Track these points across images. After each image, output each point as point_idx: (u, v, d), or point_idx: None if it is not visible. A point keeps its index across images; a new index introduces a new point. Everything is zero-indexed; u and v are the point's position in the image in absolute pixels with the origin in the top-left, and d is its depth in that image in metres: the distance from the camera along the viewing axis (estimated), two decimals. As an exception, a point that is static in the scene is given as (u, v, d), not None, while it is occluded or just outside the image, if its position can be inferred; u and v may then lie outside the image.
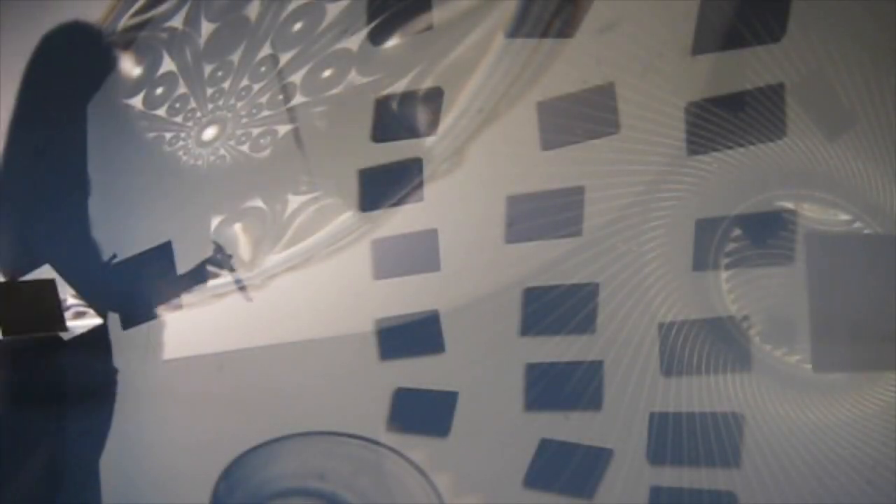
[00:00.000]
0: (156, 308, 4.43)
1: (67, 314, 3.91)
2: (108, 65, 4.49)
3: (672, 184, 3.75)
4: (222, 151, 4.34)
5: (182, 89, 4.45)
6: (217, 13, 4.40)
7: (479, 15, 3.97)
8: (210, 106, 4.39)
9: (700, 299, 3.68)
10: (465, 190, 3.95)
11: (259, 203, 4.26)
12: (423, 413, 3.98)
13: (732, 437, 3.62)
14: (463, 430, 3.92)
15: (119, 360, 4.46)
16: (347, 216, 4.10)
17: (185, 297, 4.38)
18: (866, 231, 3.53)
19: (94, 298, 4.41)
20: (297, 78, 4.23)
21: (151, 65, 4.51)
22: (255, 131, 4.30)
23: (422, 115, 4.03)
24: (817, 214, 3.60)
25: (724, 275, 3.68)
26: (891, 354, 3.24)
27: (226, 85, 4.37)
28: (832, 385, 3.32)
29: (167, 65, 4.47)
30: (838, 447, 3.41)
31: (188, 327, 4.37)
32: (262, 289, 4.22)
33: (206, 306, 4.32)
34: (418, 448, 3.99)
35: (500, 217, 3.90)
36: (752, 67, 3.66)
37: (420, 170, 4.01)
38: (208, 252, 4.29)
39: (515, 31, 3.93)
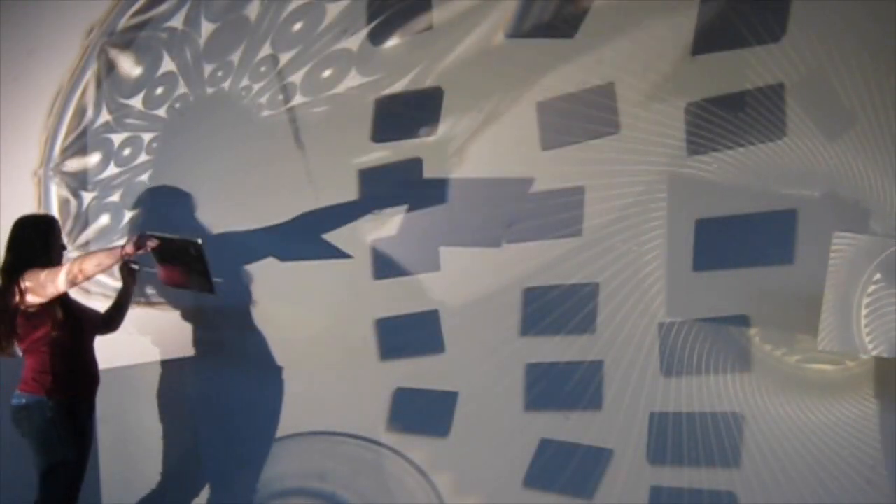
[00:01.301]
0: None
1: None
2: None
3: (672, 184, 3.75)
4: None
5: (182, 89, 4.45)
6: (217, 13, 4.40)
7: (479, 15, 3.97)
8: (210, 106, 4.40)
9: (700, 299, 3.68)
10: (466, 190, 3.95)
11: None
12: (423, 413, 3.98)
13: (732, 437, 3.62)
14: (463, 430, 3.92)
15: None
16: (347, 217, 4.10)
17: (186, 297, 4.37)
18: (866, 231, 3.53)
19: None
20: (297, 78, 4.23)
21: (151, 65, 4.51)
22: (255, 131, 4.30)
23: (422, 115, 4.03)
24: (817, 214, 3.60)
25: (723, 275, 3.68)
26: None
27: (226, 85, 4.37)
28: (832, 385, 3.33)
29: (167, 65, 4.47)
30: (838, 447, 3.42)
31: (188, 327, 4.36)
32: (262, 289, 4.21)
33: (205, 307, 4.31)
34: (418, 448, 3.99)
35: (501, 217, 3.91)
36: (752, 67, 3.66)
37: (420, 170, 4.01)
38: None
39: (515, 31, 3.93)
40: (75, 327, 3.81)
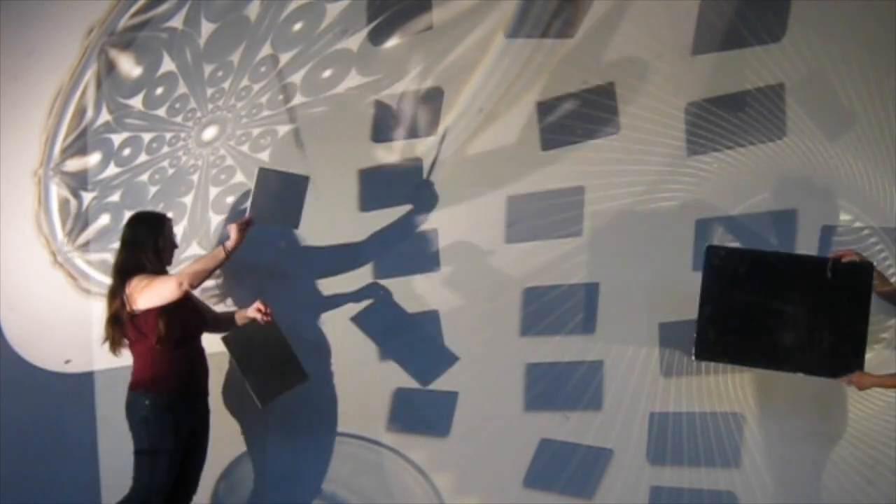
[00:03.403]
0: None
1: None
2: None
3: (672, 184, 3.75)
4: (222, 151, 4.34)
5: (182, 89, 4.45)
6: (217, 13, 4.40)
7: (479, 15, 3.97)
8: (210, 106, 4.40)
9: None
10: (465, 190, 3.96)
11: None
12: (423, 413, 3.98)
13: (732, 437, 3.62)
14: (463, 430, 3.92)
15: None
16: (347, 217, 4.10)
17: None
18: (866, 231, 3.54)
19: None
20: (297, 78, 4.23)
21: (151, 65, 4.50)
22: (255, 131, 4.30)
23: (422, 115, 4.03)
24: (817, 214, 3.60)
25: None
26: None
27: (226, 85, 4.37)
28: (832, 385, 3.33)
29: (167, 65, 4.47)
30: (838, 447, 3.42)
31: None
32: (262, 289, 4.21)
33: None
34: (418, 448, 3.99)
35: (500, 217, 3.91)
36: (752, 67, 3.66)
37: (420, 170, 4.01)
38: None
39: (515, 31, 3.93)
40: (182, 332, 3.76)
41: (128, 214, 4.34)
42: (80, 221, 4.53)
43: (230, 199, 4.28)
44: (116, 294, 3.74)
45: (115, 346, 3.81)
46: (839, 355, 3.18)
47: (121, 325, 3.74)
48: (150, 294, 3.68)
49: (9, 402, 4.43)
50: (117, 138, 4.54)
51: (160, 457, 3.71)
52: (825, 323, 3.20)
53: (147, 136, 4.49)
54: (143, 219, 3.90)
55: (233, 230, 3.66)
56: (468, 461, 3.91)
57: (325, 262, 4.11)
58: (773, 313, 3.25)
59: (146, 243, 3.77)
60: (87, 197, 4.57)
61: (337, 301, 4.09)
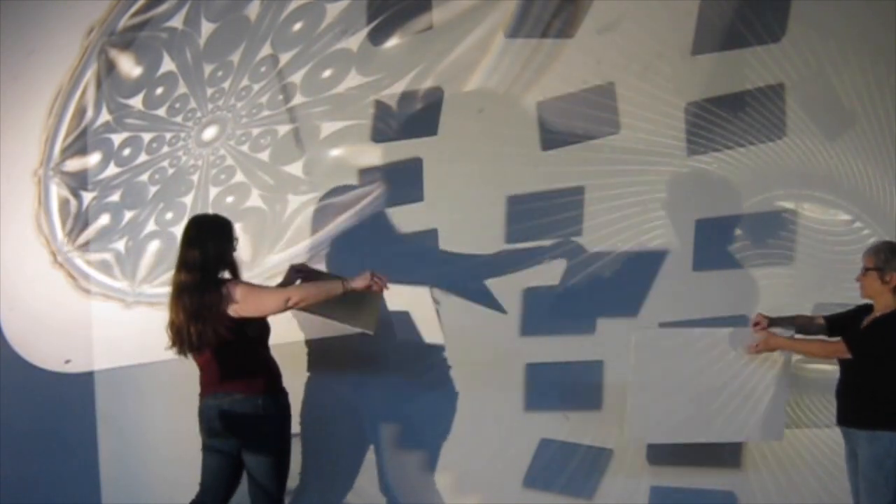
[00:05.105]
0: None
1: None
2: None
3: (672, 184, 3.76)
4: (222, 151, 4.34)
5: (182, 89, 4.46)
6: (217, 13, 4.40)
7: (479, 15, 3.97)
8: (210, 106, 4.40)
9: (700, 299, 3.68)
10: (465, 190, 3.96)
11: (258, 203, 4.26)
12: (423, 413, 3.98)
13: (732, 437, 3.62)
14: (463, 430, 3.92)
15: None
16: (347, 216, 4.10)
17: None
18: (866, 231, 3.54)
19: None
20: (297, 78, 4.23)
21: (151, 65, 4.51)
22: (255, 131, 4.30)
23: (422, 115, 4.03)
24: (817, 214, 3.61)
25: (723, 275, 3.68)
26: None
27: (226, 85, 4.37)
28: (832, 385, 3.33)
29: (167, 65, 4.48)
30: (838, 447, 3.42)
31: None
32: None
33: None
34: (418, 448, 3.99)
35: (500, 217, 3.91)
36: (752, 67, 3.66)
37: (420, 170, 4.01)
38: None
39: (515, 31, 3.93)
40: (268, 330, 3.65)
41: (127, 214, 4.36)
42: (80, 221, 4.53)
43: (230, 199, 4.29)
44: (206, 291, 3.47)
45: (189, 350, 3.54)
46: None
47: (211, 325, 3.47)
48: (258, 303, 3.49)
49: (9, 402, 4.44)
50: (117, 138, 4.54)
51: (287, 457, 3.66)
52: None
53: (147, 136, 4.49)
54: (213, 223, 3.63)
55: (366, 278, 3.49)
56: (468, 461, 3.91)
57: (324, 263, 4.11)
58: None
59: (225, 247, 3.54)
60: (87, 197, 4.57)
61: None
